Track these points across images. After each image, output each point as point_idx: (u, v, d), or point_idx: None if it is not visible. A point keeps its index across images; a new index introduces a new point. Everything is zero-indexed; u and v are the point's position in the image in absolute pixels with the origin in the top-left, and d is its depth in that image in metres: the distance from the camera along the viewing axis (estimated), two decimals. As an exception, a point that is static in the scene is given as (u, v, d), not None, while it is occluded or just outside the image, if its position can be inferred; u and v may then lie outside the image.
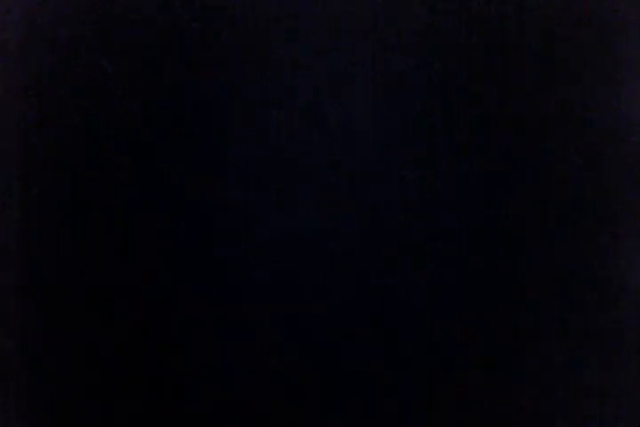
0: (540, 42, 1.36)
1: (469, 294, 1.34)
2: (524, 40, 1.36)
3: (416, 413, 1.33)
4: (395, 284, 1.34)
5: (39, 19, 1.39)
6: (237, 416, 1.34)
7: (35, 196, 1.38)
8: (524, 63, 1.36)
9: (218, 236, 1.35)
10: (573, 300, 1.35)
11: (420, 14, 1.36)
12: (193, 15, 1.37)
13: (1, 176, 1.39)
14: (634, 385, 1.35)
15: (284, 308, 1.34)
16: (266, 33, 1.36)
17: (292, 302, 1.34)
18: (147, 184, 1.36)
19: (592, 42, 1.37)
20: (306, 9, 1.36)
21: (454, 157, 1.35)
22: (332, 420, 1.33)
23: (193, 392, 1.34)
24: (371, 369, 1.34)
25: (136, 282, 1.35)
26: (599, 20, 1.37)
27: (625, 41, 1.38)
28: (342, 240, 1.35)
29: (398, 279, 1.34)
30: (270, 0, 1.37)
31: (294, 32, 1.36)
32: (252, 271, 1.35)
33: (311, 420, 1.33)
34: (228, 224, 1.35)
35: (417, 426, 1.33)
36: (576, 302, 1.35)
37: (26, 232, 1.37)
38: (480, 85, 1.36)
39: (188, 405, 1.34)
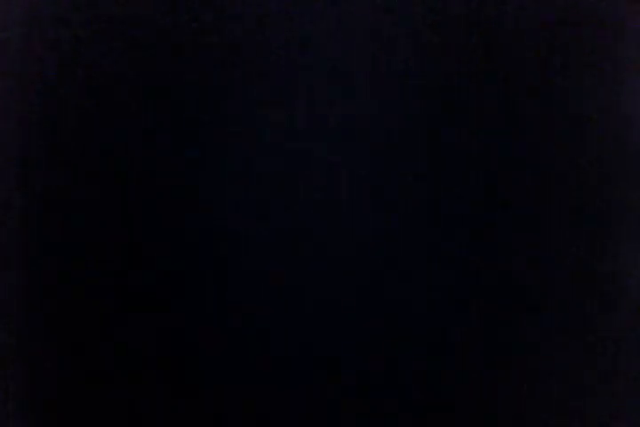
0: (539, 42, 1.36)
1: (469, 294, 1.34)
2: (523, 40, 1.36)
3: (415, 413, 1.33)
4: (395, 283, 1.34)
5: (39, 19, 1.39)
6: (236, 418, 1.34)
7: (35, 196, 1.38)
8: (524, 63, 1.36)
9: (217, 236, 1.35)
10: (573, 300, 1.35)
11: (421, 14, 1.36)
12: (193, 15, 1.37)
13: (1, 176, 1.39)
14: (634, 385, 1.35)
15: (284, 307, 1.35)
16: (266, 33, 1.36)
17: (292, 302, 1.34)
18: (147, 184, 1.36)
19: (592, 42, 1.37)
20: (306, 9, 1.36)
21: (454, 157, 1.35)
22: (332, 421, 1.34)
23: (193, 393, 1.34)
24: (371, 369, 1.34)
25: (137, 282, 1.35)
26: (599, 20, 1.38)
27: (625, 41, 1.38)
28: (342, 240, 1.35)
29: (398, 279, 1.34)
30: (271, 0, 1.37)
31: (294, 32, 1.36)
32: (251, 271, 1.35)
33: (312, 421, 1.34)
34: (226, 224, 1.35)
35: (416, 426, 1.33)
36: (576, 302, 1.35)
37: (26, 232, 1.38)
38: (480, 85, 1.36)
39: (188, 405, 1.34)
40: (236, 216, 1.35)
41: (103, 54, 1.37)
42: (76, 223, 1.37)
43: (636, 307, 1.36)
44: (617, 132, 1.37)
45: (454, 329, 1.34)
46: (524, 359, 1.34)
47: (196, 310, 1.35)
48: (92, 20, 1.38)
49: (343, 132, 1.36)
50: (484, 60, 1.36)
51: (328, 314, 1.34)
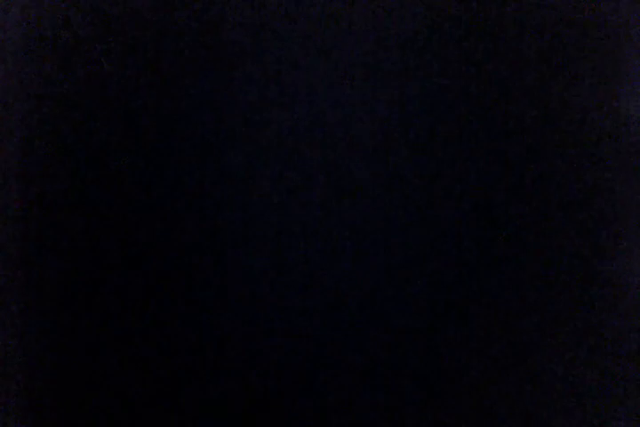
0: (539, 42, 1.36)
1: (469, 294, 1.34)
2: (524, 40, 1.36)
3: (415, 412, 1.33)
4: (395, 283, 1.34)
5: (39, 19, 1.39)
6: (235, 414, 1.34)
7: (35, 196, 1.38)
8: (524, 63, 1.36)
9: (216, 236, 1.35)
10: (573, 300, 1.35)
11: (420, 14, 1.36)
12: (193, 15, 1.37)
13: (1, 176, 1.39)
14: (634, 385, 1.35)
15: (284, 307, 1.34)
16: (266, 33, 1.36)
17: (290, 302, 1.34)
18: (147, 184, 1.36)
19: (592, 42, 1.37)
20: (306, 9, 1.36)
21: (454, 157, 1.35)
22: (330, 420, 1.34)
23: (193, 392, 1.34)
24: (371, 369, 1.34)
25: (137, 281, 1.35)
26: (599, 21, 1.37)
27: (625, 41, 1.38)
28: (342, 240, 1.35)
29: (399, 279, 1.34)
30: (270, 0, 1.37)
31: (294, 32, 1.36)
32: (252, 271, 1.35)
33: (309, 419, 1.34)
34: (225, 225, 1.35)
35: (416, 425, 1.33)
36: (576, 302, 1.35)
37: (26, 232, 1.38)
38: (480, 85, 1.36)
39: (189, 404, 1.34)
40: (236, 216, 1.35)
41: (103, 54, 1.37)
42: (76, 223, 1.37)
43: (636, 307, 1.36)
44: (617, 132, 1.37)
45: (454, 329, 1.34)
46: (523, 359, 1.34)
47: (197, 309, 1.35)
48: (92, 20, 1.38)
49: (342, 131, 1.36)
50: (483, 60, 1.36)
51: (327, 313, 1.34)
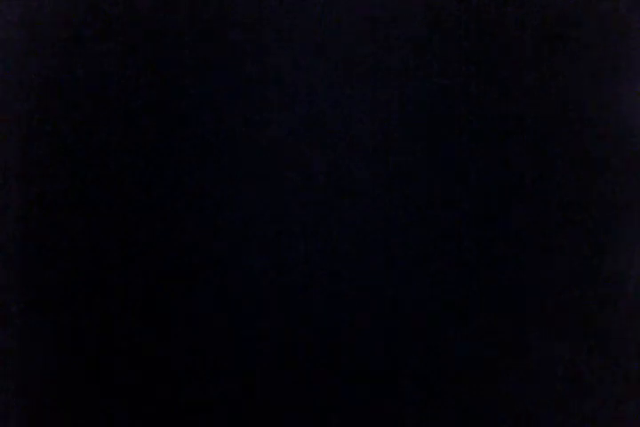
0: (539, 42, 1.36)
1: (469, 294, 1.34)
2: (524, 40, 1.36)
3: (415, 413, 1.33)
4: (395, 283, 1.34)
5: (39, 19, 1.39)
6: (235, 414, 1.34)
7: (35, 196, 1.38)
8: (524, 63, 1.36)
9: (216, 236, 1.35)
10: (573, 300, 1.35)
11: (420, 14, 1.36)
12: (193, 15, 1.37)
13: (1, 176, 1.39)
14: (634, 385, 1.35)
15: (283, 308, 1.34)
16: (266, 33, 1.36)
17: (290, 303, 1.34)
18: (147, 184, 1.36)
19: (592, 42, 1.37)
20: (306, 9, 1.36)
21: (454, 157, 1.35)
22: (330, 420, 1.34)
23: (193, 392, 1.34)
24: (370, 369, 1.34)
25: (137, 281, 1.35)
26: (599, 20, 1.38)
27: (625, 41, 1.38)
28: (342, 240, 1.35)
29: (399, 279, 1.34)
30: (271, 0, 1.37)
31: (294, 32, 1.36)
32: (252, 271, 1.35)
33: (309, 419, 1.34)
34: (225, 225, 1.35)
35: (416, 425, 1.33)
36: (576, 302, 1.35)
37: (26, 232, 1.38)
38: (480, 85, 1.36)
39: (189, 404, 1.34)
40: (236, 216, 1.35)
41: (103, 54, 1.37)
42: (76, 223, 1.37)
43: (636, 307, 1.36)
44: (617, 132, 1.37)
45: (454, 329, 1.33)
46: (523, 359, 1.34)
47: (197, 309, 1.35)
48: (92, 20, 1.38)
49: (342, 131, 1.36)
50: (483, 60, 1.36)
51: (327, 314, 1.34)
